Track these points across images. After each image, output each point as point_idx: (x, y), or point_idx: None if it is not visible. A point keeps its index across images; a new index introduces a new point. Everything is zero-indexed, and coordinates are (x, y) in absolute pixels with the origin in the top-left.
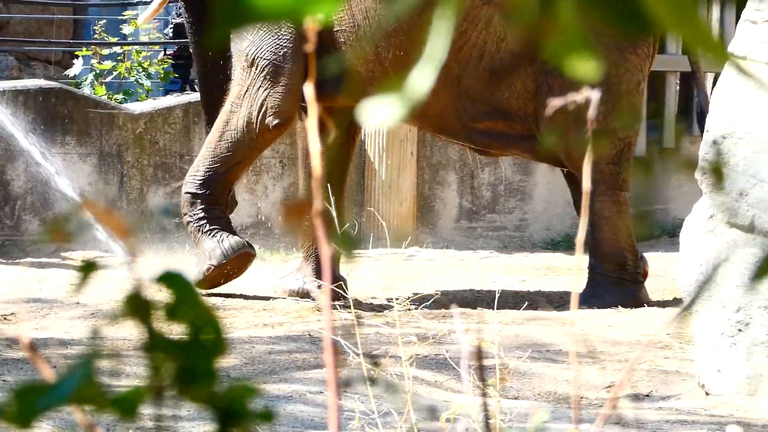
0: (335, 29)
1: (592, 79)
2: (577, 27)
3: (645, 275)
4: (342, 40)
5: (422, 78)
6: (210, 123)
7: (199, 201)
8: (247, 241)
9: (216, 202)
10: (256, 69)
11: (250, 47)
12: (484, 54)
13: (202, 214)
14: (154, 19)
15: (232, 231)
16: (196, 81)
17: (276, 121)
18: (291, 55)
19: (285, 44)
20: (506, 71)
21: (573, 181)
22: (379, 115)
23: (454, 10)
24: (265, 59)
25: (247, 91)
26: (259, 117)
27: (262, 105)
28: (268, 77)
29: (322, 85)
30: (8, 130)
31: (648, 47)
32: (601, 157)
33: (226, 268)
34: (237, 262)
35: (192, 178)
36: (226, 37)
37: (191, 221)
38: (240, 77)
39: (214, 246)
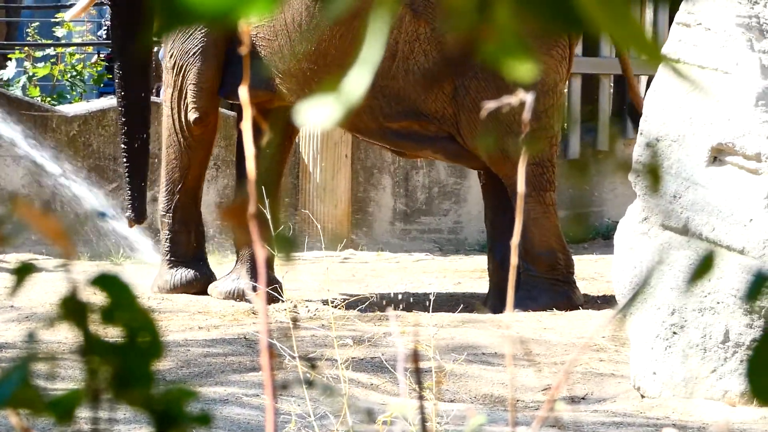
0: (259, 30)
1: (528, 81)
2: (513, 29)
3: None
4: (267, 40)
5: (358, 80)
6: (125, 127)
7: (166, 221)
8: (197, 274)
9: (184, 219)
10: (174, 69)
11: (171, 50)
12: (397, 54)
13: (169, 238)
14: (88, 21)
15: (195, 254)
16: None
17: (195, 116)
18: (201, 55)
19: (196, 45)
20: (437, 77)
21: (488, 187)
22: (316, 116)
23: (389, 14)
24: (180, 60)
25: (172, 92)
26: (183, 115)
27: (183, 103)
28: (184, 76)
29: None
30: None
31: (563, 49)
32: None
33: (169, 293)
34: (181, 291)
35: (161, 196)
36: (160, 38)
37: (161, 241)
38: (166, 80)
39: (167, 276)
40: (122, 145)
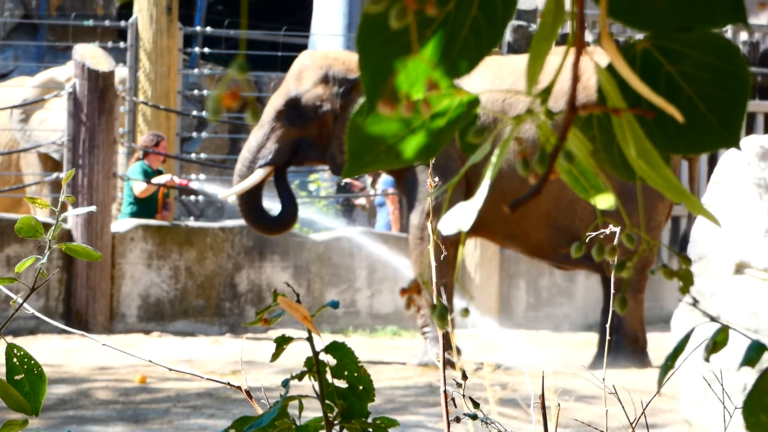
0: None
1: (609, 208)
2: (590, 170)
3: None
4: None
5: (472, 208)
6: None
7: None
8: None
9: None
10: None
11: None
12: (575, 199)
13: (426, 323)
14: (330, 179)
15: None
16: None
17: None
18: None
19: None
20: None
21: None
22: (449, 227)
23: (499, 164)
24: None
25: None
26: (422, 225)
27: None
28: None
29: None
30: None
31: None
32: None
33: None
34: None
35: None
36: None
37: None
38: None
39: (422, 352)
40: None
